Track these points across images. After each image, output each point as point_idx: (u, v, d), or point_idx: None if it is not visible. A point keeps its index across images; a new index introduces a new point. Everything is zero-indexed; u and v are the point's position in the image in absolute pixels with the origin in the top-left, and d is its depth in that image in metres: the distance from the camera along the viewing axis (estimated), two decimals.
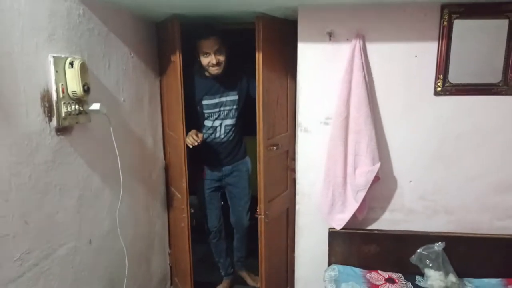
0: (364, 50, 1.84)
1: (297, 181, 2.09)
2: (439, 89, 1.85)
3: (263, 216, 2.12)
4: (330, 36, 1.87)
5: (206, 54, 2.18)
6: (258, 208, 2.14)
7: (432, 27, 1.81)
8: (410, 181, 1.99)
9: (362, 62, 1.81)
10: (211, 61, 2.18)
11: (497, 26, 1.76)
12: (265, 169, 2.09)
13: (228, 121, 2.41)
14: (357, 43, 1.80)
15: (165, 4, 1.84)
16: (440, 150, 1.94)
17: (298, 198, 2.09)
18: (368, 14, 1.83)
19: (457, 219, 2.00)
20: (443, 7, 1.77)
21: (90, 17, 1.63)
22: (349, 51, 1.83)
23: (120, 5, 1.78)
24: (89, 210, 1.66)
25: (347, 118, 1.87)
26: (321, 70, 1.92)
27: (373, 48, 1.86)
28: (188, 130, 2.19)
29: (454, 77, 1.83)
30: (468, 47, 1.80)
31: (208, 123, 2.39)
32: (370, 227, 2.06)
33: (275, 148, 2.16)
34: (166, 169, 2.50)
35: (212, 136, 2.42)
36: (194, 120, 2.34)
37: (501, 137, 1.89)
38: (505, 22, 1.74)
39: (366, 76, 1.82)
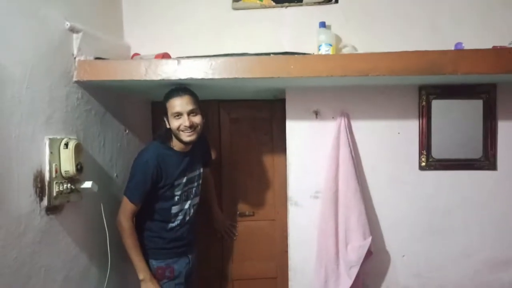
0: (349, 127, 1.92)
1: (289, 256, 2.05)
2: (423, 164, 1.90)
3: None
4: (316, 114, 1.96)
5: (178, 115, 1.75)
6: None
7: (412, 107, 1.91)
8: (403, 256, 1.96)
9: (348, 139, 1.88)
10: (183, 123, 1.74)
11: (473, 106, 1.86)
12: None
13: (195, 199, 1.98)
14: (342, 121, 1.89)
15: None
16: (431, 224, 1.94)
17: (290, 274, 2.04)
18: (351, 95, 1.94)
19: None
20: (420, 88, 1.89)
21: (88, 99, 1.72)
22: (334, 129, 1.91)
23: (120, 89, 1.88)
24: None
25: (336, 192, 1.90)
26: (309, 146, 1.98)
27: (357, 126, 1.94)
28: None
29: (437, 152, 1.89)
30: (448, 125, 1.88)
31: (175, 209, 1.87)
32: None
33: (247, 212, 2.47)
34: None
35: (182, 221, 1.92)
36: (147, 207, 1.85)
37: (489, 212, 1.91)
38: (480, 102, 1.85)
39: (353, 152, 1.88)
